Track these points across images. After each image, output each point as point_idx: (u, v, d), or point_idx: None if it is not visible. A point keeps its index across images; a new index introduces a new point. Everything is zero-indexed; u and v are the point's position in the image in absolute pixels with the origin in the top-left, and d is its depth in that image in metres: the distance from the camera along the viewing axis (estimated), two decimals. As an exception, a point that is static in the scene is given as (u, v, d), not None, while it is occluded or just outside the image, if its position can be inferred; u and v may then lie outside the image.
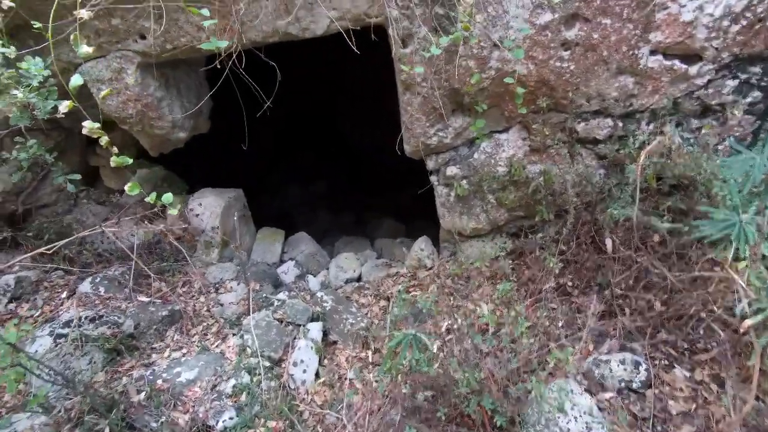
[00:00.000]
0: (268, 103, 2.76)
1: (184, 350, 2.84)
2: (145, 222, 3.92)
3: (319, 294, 3.14)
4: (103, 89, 2.95)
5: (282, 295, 3.15)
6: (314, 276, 3.95)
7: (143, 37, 2.76)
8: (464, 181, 3.13)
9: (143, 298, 3.23)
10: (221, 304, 3.19)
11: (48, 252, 3.17)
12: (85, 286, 3.20)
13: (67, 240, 3.17)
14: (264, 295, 3.25)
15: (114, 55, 2.84)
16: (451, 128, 2.98)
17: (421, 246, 3.52)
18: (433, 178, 3.29)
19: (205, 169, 6.69)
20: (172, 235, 3.89)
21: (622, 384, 2.21)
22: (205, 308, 3.16)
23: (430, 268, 3.47)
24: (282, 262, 4.22)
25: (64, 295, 3.18)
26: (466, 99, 2.84)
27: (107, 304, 3.05)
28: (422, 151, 3.11)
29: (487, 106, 2.85)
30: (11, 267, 3.48)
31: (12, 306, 3.03)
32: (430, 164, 3.21)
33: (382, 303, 3.21)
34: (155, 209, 4.12)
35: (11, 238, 3.67)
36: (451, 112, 2.91)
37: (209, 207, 3.79)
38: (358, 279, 3.79)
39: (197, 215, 3.81)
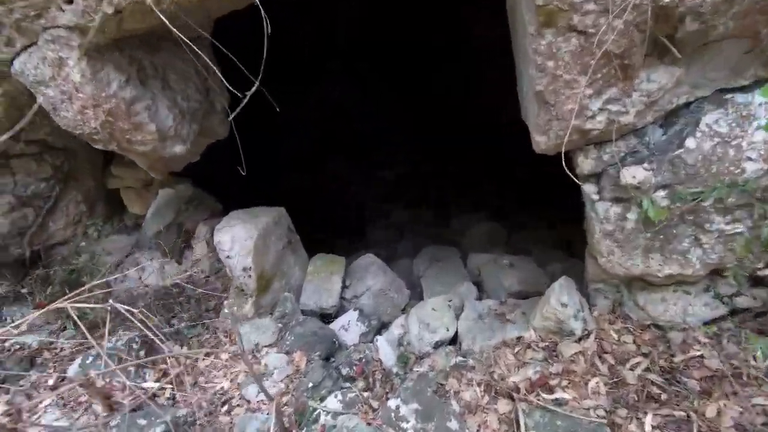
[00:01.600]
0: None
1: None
2: (162, 264, 2.98)
3: (393, 405, 1.86)
4: (50, 93, 1.93)
5: (333, 401, 1.94)
6: (387, 329, 2.73)
7: (70, 0, 1.65)
8: (661, 193, 1.62)
9: (148, 384, 2.27)
10: (248, 402, 2.10)
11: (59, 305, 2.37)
12: (75, 368, 2.33)
13: (67, 297, 2.31)
14: (309, 385, 2.08)
15: (44, 38, 1.78)
16: (637, 94, 1.48)
17: (562, 299, 2.08)
18: (588, 189, 1.82)
19: (244, 175, 5.74)
20: (192, 282, 2.91)
21: None
22: (225, 408, 2.09)
23: (581, 338, 2.03)
24: (343, 303, 3.06)
25: (50, 382, 2.34)
26: (681, 29, 1.31)
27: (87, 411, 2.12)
28: (573, 143, 1.65)
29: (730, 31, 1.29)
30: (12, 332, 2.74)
31: (-12, 401, 2.24)
32: (586, 164, 1.75)
33: (503, 406, 1.87)
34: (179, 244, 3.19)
35: (13, 292, 2.95)
36: (641, 61, 1.40)
37: (238, 240, 2.72)
38: (453, 340, 2.48)
39: (225, 252, 2.76)
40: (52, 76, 1.84)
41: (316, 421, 1.83)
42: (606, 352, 1.93)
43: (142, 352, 2.44)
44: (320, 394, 2.04)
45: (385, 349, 2.38)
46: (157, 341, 2.28)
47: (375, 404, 1.93)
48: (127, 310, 1.77)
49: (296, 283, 3.10)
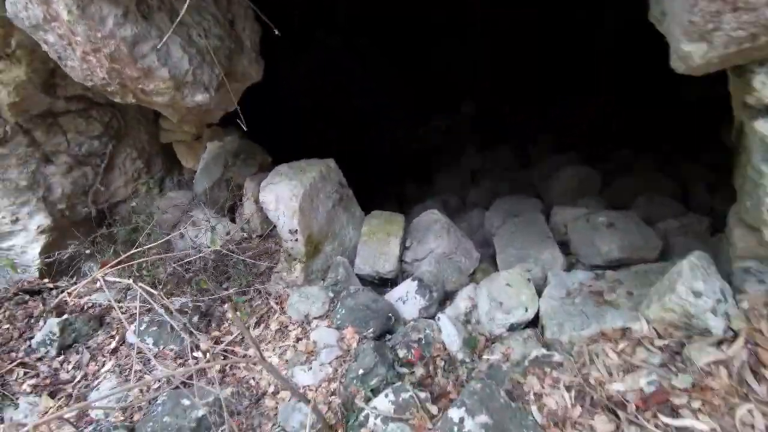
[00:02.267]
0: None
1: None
2: (215, 223, 2.82)
3: (456, 416, 1.48)
4: (50, 39, 1.66)
5: (384, 402, 1.63)
6: (452, 301, 2.34)
7: None
8: None
9: (199, 353, 2.17)
10: (293, 391, 1.88)
11: (123, 264, 2.36)
12: (131, 336, 2.30)
13: (126, 255, 2.27)
14: (359, 372, 1.80)
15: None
16: None
17: (695, 285, 1.49)
18: (765, 128, 1.15)
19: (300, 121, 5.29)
20: (242, 243, 2.72)
21: None
22: (272, 389, 1.91)
23: (723, 341, 1.46)
24: (404, 267, 2.71)
25: (112, 345, 2.35)
26: None
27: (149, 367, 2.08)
28: (747, 53, 0.99)
29: None
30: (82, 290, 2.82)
31: (59, 360, 2.32)
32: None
33: (603, 425, 1.43)
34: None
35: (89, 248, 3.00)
36: None
37: (282, 200, 2.42)
38: (533, 322, 2.02)
39: (271, 212, 2.50)
40: (44, 17, 1.55)
41: (363, 425, 1.55)
42: (765, 365, 1.36)
43: (195, 318, 2.35)
44: (371, 384, 1.75)
45: (448, 330, 2.01)
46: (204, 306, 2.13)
47: (434, 410, 1.59)
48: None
49: (351, 243, 2.79)
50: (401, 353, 1.94)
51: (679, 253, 2.44)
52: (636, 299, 1.82)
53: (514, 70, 5.79)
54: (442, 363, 1.89)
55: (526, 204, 3.46)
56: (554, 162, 4.23)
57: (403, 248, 2.75)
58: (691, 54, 1.10)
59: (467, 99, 6.29)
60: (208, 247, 2.66)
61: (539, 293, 2.10)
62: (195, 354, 2.17)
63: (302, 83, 5.96)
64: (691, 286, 1.49)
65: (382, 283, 2.71)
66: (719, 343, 1.45)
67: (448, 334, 2.00)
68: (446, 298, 2.43)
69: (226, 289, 2.56)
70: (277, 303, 2.43)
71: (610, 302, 1.86)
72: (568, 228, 2.88)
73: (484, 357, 1.89)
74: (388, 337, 2.12)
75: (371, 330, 2.06)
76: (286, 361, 2.00)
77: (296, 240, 2.42)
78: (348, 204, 2.80)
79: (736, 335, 1.45)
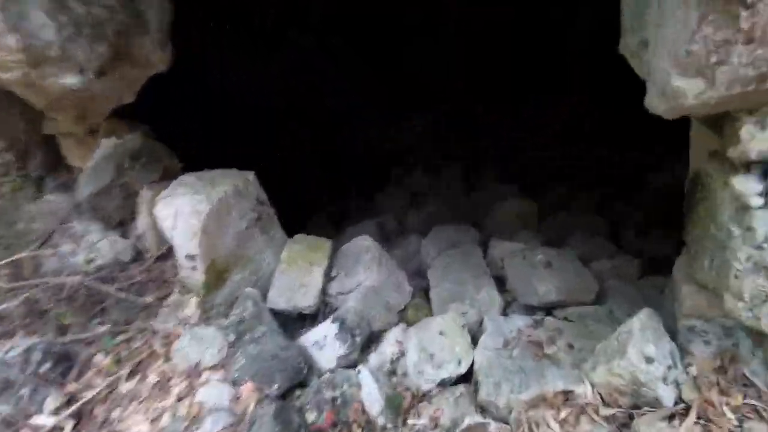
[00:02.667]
0: None
1: None
2: (98, 237, 2.29)
3: None
4: None
5: None
6: (377, 345, 2.04)
7: None
8: None
9: (42, 417, 1.65)
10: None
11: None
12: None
13: None
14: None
15: None
16: None
17: (646, 349, 1.31)
18: (744, 187, 1.01)
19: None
20: (122, 270, 2.24)
21: None
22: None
23: (674, 415, 1.28)
24: (327, 300, 2.37)
25: None
26: None
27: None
28: (747, 98, 0.81)
29: None
30: None
31: None
32: (759, 142, 0.90)
33: None
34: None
35: None
36: None
37: (182, 216, 1.99)
38: (467, 376, 1.77)
39: (166, 231, 2.05)
40: None
41: None
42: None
43: (45, 366, 1.81)
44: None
45: (369, 387, 1.69)
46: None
47: None
48: None
49: (268, 271, 2.39)
50: (310, 417, 1.59)
51: (612, 296, 2.35)
52: (577, 355, 1.64)
53: (488, 69, 5.74)
54: (359, 430, 1.56)
55: (465, 234, 3.29)
56: (496, 191, 4.15)
57: (328, 279, 2.41)
58: (683, 91, 0.92)
59: (419, 110, 6.15)
60: (84, 270, 2.14)
61: (474, 340, 1.87)
62: (36, 419, 1.64)
63: (275, 83, 5.68)
64: (643, 350, 1.31)
65: (300, 318, 2.34)
66: (671, 417, 1.28)
67: (369, 392, 1.68)
68: (372, 339, 2.12)
69: (101, 324, 2.04)
70: (163, 346, 1.96)
71: (550, 357, 1.66)
72: (505, 263, 2.71)
73: (410, 422, 1.59)
74: (298, 393, 1.75)
75: (276, 386, 1.68)
76: (160, 430, 1.56)
77: (194, 267, 1.98)
78: (267, 225, 2.42)
79: (687, 408, 1.29)
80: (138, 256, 2.43)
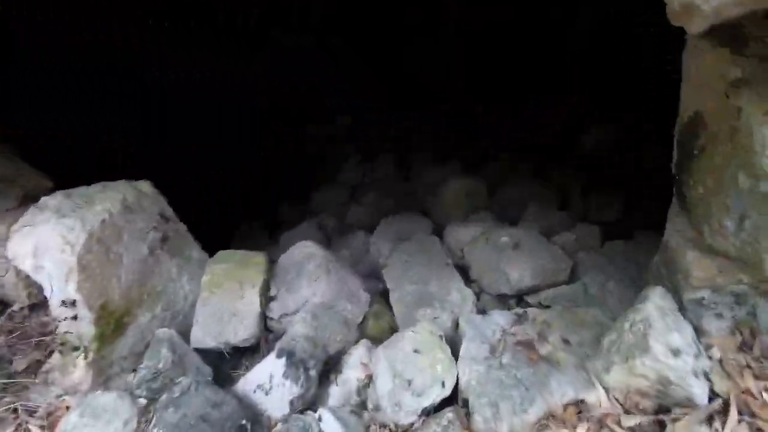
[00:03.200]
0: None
1: None
2: None
3: None
4: None
5: None
6: (338, 379, 1.65)
7: None
8: None
9: None
10: None
11: None
12: None
13: None
14: None
15: None
16: None
17: (671, 339, 1.07)
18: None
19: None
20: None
21: None
22: None
23: (713, 416, 1.05)
24: (270, 326, 1.93)
25: None
26: None
27: None
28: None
29: None
30: None
31: None
32: None
33: None
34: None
35: None
36: None
37: (49, 251, 1.44)
38: (452, 397, 1.45)
39: (26, 272, 1.48)
40: None
41: None
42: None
43: None
44: None
45: (335, 436, 1.30)
46: None
47: None
48: None
49: (187, 302, 1.90)
50: (262, 496, 1.18)
51: (583, 271, 2.18)
52: (577, 351, 1.39)
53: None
54: None
55: (416, 223, 2.99)
56: (436, 173, 3.90)
57: (267, 299, 1.97)
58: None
59: (343, 112, 5.80)
60: None
61: (454, 348, 1.56)
62: None
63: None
64: (668, 341, 1.07)
65: (237, 354, 1.89)
66: (709, 419, 1.05)
67: (335, 444, 1.30)
68: (330, 366, 1.74)
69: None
70: (44, 429, 1.42)
71: (548, 358, 1.39)
72: (465, 251, 2.46)
73: (392, 475, 1.24)
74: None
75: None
76: None
77: (76, 317, 1.45)
78: (178, 245, 1.91)
79: (725, 403, 1.07)
80: (1, 309, 1.81)
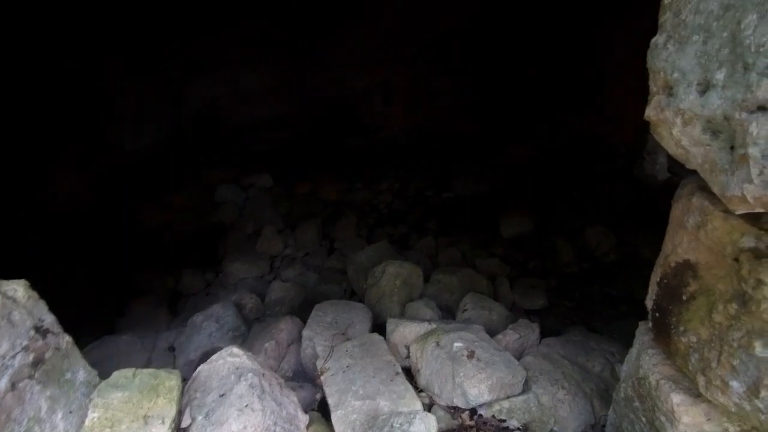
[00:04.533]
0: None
1: None
2: None
3: None
4: None
5: None
6: None
7: None
8: None
9: None
10: None
11: None
12: None
13: None
14: None
15: None
16: None
17: None
18: None
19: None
20: None
21: None
22: None
23: None
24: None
25: None
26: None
27: None
28: None
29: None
30: None
31: None
32: None
33: None
34: None
35: None
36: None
37: None
38: None
39: None
40: None
41: None
42: None
43: None
44: None
45: None
46: None
47: None
48: None
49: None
50: None
51: (534, 379, 2.12)
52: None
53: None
54: None
55: (353, 313, 2.75)
56: (366, 253, 3.74)
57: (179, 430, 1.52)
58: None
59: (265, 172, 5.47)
60: None
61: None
62: None
63: None
64: None
65: None
66: None
67: None
68: None
69: None
70: None
71: None
72: (412, 352, 2.27)
73: None
74: None
75: None
76: None
77: None
78: (57, 366, 1.40)
79: None
80: None
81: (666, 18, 0.89)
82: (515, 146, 5.73)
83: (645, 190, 4.35)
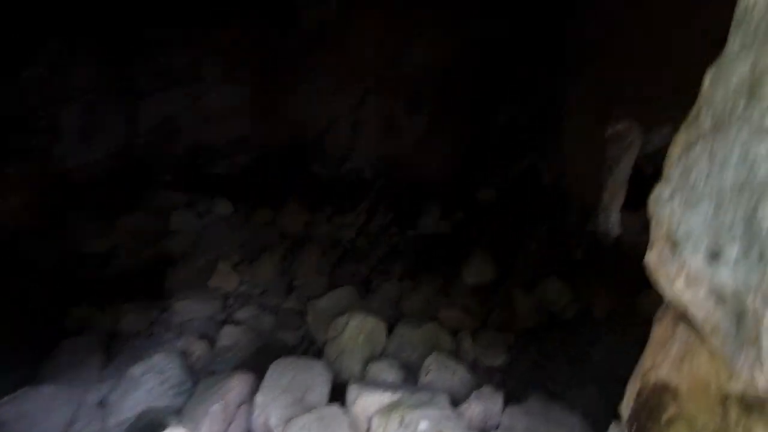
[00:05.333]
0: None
1: None
2: None
3: None
4: None
5: None
6: None
7: None
8: None
9: None
10: None
11: None
12: None
13: None
14: None
15: None
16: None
17: None
18: None
19: None
20: None
21: None
22: None
23: None
24: None
25: None
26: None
27: None
28: None
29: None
30: None
31: None
32: None
33: None
34: None
35: None
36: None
37: None
38: None
39: None
40: None
41: None
42: None
43: None
44: None
45: None
46: None
47: None
48: None
49: None
50: None
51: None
52: None
53: None
54: None
55: (313, 372, 2.60)
56: (329, 299, 3.61)
57: None
58: None
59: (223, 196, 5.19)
60: None
61: None
62: None
63: None
64: None
65: None
66: None
67: None
68: None
69: None
70: None
71: None
72: (374, 427, 2.15)
73: None
74: None
75: None
76: None
77: None
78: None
79: None
80: None
81: (673, 172, 0.89)
82: (480, 188, 5.85)
83: (598, 246, 4.55)
